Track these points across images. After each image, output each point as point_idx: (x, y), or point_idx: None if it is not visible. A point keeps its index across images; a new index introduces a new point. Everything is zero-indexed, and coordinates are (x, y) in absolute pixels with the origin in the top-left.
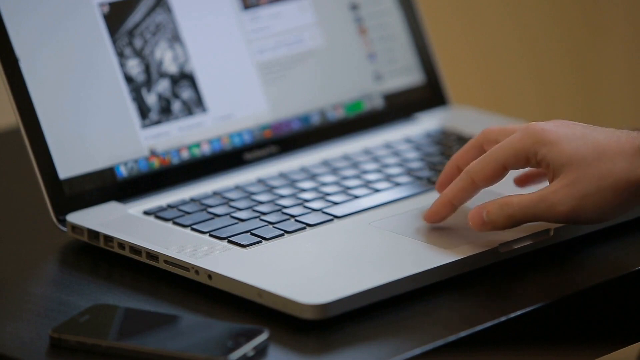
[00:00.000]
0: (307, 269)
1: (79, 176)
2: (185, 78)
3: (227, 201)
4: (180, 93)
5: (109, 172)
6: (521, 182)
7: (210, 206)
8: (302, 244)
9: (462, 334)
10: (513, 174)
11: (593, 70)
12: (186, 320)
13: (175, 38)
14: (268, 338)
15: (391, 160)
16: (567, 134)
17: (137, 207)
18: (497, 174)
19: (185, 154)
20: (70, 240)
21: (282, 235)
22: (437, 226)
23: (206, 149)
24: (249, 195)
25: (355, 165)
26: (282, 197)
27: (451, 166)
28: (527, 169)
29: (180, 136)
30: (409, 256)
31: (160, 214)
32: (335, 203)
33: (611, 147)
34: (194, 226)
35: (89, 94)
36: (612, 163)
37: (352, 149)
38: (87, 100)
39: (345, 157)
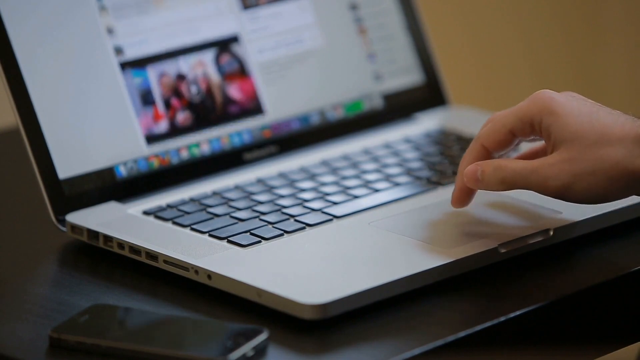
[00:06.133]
0: (306, 269)
1: (78, 176)
2: None
3: (227, 201)
4: None
5: (108, 172)
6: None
7: (210, 206)
8: (301, 244)
9: (462, 334)
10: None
11: (593, 71)
12: (186, 320)
13: None
14: (267, 338)
15: (391, 160)
16: (574, 108)
17: (136, 207)
18: (505, 140)
19: (184, 154)
20: (69, 240)
21: (281, 235)
22: (436, 226)
23: (206, 149)
24: (248, 195)
25: (354, 165)
26: (282, 197)
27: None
28: (532, 146)
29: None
30: (408, 256)
31: (160, 214)
32: (335, 203)
33: (614, 131)
34: (194, 226)
35: (89, 94)
36: (611, 147)
37: (352, 149)
38: (86, 100)
39: (345, 157)
